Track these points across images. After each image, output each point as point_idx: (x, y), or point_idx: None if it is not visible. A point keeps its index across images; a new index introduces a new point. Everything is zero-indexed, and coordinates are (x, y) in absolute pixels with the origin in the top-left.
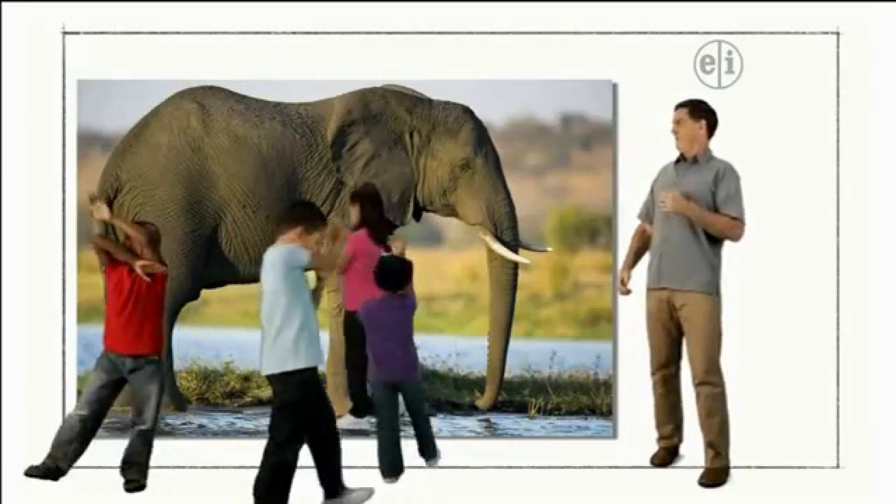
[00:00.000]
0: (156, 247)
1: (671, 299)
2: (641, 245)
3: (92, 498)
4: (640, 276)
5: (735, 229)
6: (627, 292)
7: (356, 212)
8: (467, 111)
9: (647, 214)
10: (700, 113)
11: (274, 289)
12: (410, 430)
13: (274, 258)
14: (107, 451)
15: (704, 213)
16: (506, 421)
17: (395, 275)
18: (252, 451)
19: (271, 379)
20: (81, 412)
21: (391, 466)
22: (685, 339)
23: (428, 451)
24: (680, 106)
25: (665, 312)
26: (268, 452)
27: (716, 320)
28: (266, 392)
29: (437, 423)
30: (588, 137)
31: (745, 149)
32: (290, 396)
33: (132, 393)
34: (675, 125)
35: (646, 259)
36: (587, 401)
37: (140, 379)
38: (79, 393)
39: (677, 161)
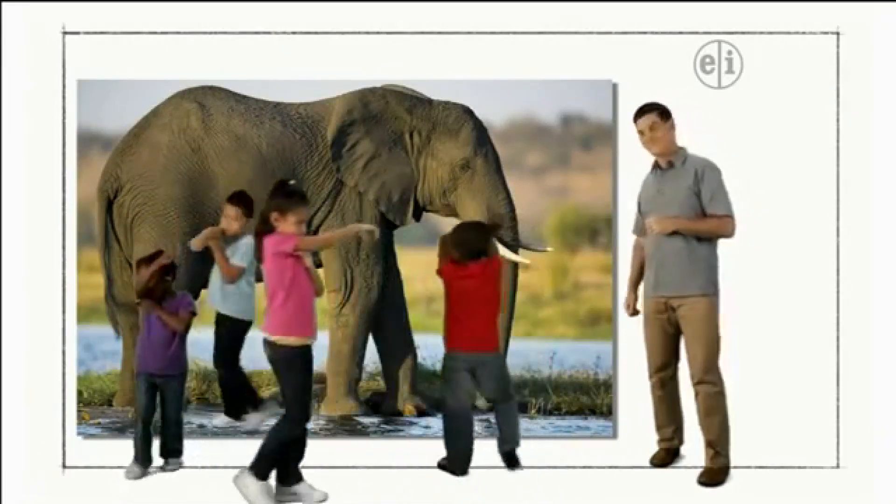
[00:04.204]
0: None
1: (669, 302)
2: (642, 261)
3: (93, 498)
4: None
5: (726, 226)
6: (635, 313)
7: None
8: (467, 111)
9: (641, 229)
10: (667, 113)
11: None
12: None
13: None
14: (107, 450)
15: (692, 223)
16: None
17: None
18: (252, 452)
19: None
20: None
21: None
22: (683, 338)
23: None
24: (648, 110)
25: (662, 314)
26: None
27: (714, 320)
28: (265, 392)
29: (438, 422)
30: (588, 137)
31: (744, 149)
32: None
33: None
34: (649, 131)
35: None
36: (587, 401)
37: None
38: (79, 393)
39: (654, 168)
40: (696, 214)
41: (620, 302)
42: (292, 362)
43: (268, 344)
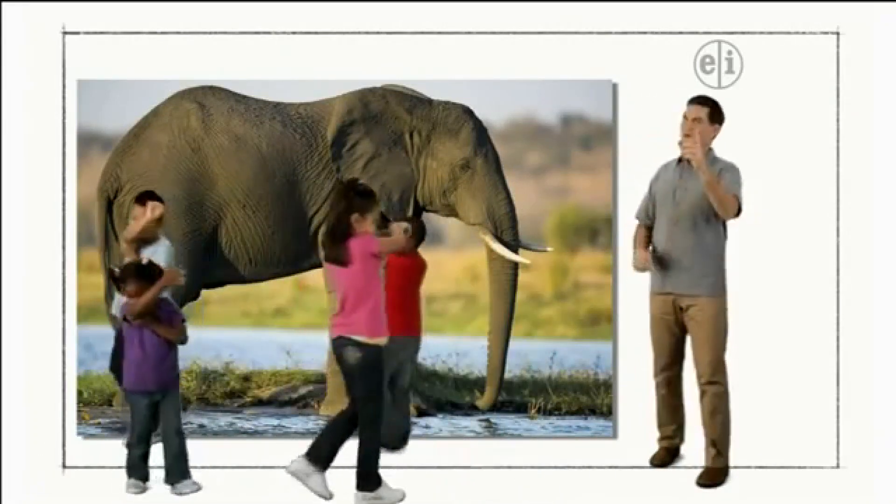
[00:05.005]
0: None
1: (677, 302)
2: (647, 233)
3: (93, 498)
4: (640, 277)
5: (733, 204)
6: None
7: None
8: (467, 111)
9: (647, 214)
10: (718, 116)
11: None
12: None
13: None
14: (107, 450)
15: (714, 179)
16: (506, 421)
17: None
18: (252, 451)
19: None
20: None
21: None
22: (691, 338)
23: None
24: (699, 102)
25: (670, 314)
26: None
27: (723, 320)
28: (266, 392)
29: (438, 422)
30: (588, 137)
31: (745, 149)
32: None
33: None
34: (693, 123)
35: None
36: (587, 401)
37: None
38: (79, 393)
39: (680, 161)
40: (714, 215)
41: (620, 302)
42: (378, 361)
43: (357, 345)
